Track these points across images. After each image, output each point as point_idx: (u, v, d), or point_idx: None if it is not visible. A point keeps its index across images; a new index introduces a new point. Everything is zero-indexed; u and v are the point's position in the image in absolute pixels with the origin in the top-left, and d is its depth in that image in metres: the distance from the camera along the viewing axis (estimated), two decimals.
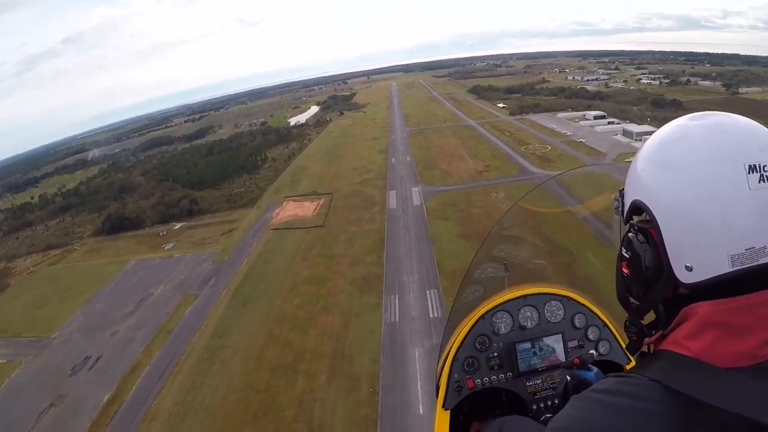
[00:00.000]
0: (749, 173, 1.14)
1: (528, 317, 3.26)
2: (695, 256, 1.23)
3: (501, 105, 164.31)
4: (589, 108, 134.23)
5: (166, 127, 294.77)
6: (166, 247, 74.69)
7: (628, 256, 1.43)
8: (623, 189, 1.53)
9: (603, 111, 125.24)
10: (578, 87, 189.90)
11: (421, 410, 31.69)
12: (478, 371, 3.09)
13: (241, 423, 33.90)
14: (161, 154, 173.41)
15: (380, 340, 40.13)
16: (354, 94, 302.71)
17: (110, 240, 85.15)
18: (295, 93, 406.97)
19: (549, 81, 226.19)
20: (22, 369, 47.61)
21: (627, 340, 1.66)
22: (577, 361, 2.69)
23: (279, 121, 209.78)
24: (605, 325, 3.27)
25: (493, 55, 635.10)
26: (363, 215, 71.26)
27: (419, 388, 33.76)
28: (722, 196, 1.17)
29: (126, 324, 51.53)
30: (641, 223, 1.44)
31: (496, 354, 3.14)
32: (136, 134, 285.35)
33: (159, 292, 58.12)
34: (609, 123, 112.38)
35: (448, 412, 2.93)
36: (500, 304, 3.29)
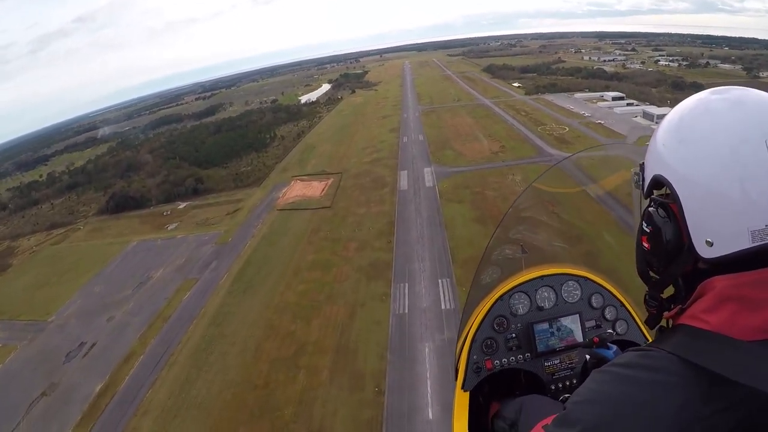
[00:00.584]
0: None
1: (545, 298, 3.23)
2: (716, 231, 1.24)
3: (516, 84, 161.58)
4: (607, 89, 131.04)
5: (177, 104, 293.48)
6: (169, 228, 73.48)
7: (648, 231, 1.45)
8: (643, 163, 1.55)
9: (621, 92, 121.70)
10: (595, 67, 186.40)
11: (430, 415, 28.99)
12: (496, 352, 3.06)
13: (236, 421, 31.59)
14: (170, 132, 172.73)
15: (388, 334, 37.61)
16: (366, 72, 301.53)
17: (114, 219, 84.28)
18: (306, 71, 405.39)
19: (565, 61, 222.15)
20: (17, 354, 46.14)
21: (644, 320, 1.76)
22: (596, 339, 2.65)
23: (290, 99, 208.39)
24: (622, 305, 3.22)
25: (507, 35, 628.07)
26: (372, 196, 68.82)
27: (429, 389, 31.07)
28: (743, 172, 1.17)
29: (123, 308, 50.11)
30: (662, 197, 1.46)
31: (514, 335, 3.11)
32: (147, 112, 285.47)
33: (159, 275, 56.66)
34: (628, 104, 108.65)
35: (468, 393, 2.90)
36: (518, 285, 3.26)
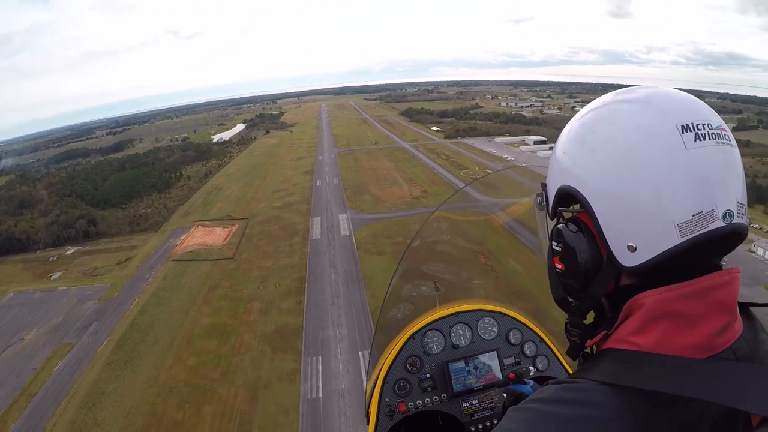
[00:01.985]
0: (683, 133, 1.07)
1: (461, 335, 3.14)
2: (638, 233, 1.11)
3: (435, 128, 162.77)
4: (528, 133, 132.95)
5: (88, 138, 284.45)
6: (52, 277, 66.56)
7: (560, 249, 1.30)
8: (544, 183, 1.42)
9: (542, 136, 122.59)
10: (513, 112, 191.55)
11: None
12: (410, 394, 2.92)
13: None
14: (73, 166, 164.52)
15: (298, 428, 30.60)
16: (283, 113, 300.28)
17: None
18: (222, 111, 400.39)
19: (482, 107, 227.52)
20: None
21: (565, 356, 1.84)
22: (512, 375, 2.47)
23: (202, 138, 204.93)
24: (542, 339, 3.16)
25: (424, 82, 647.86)
26: (281, 246, 62.49)
27: None
28: (659, 161, 1.08)
29: None
30: (570, 212, 1.34)
31: (428, 375, 2.99)
32: (56, 144, 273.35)
33: (31, 336, 49.31)
34: (550, 148, 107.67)
35: None
36: (431, 322, 3.17)
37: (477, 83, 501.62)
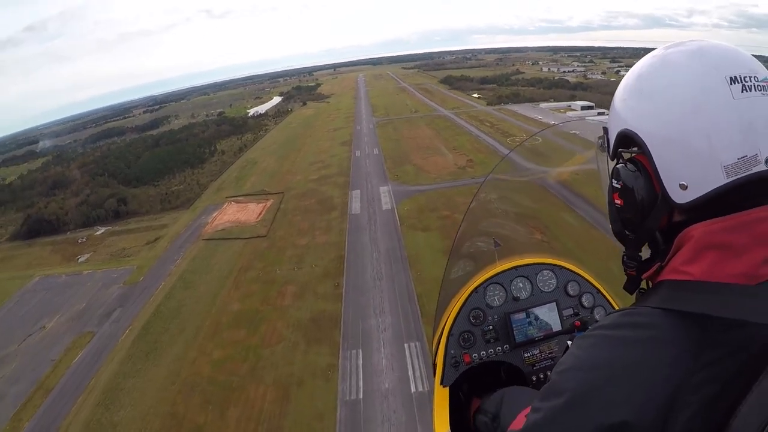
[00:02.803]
0: (731, 84, 1.18)
1: (521, 288, 3.21)
2: (689, 172, 1.24)
3: (476, 95, 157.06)
4: (573, 98, 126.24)
5: (125, 117, 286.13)
6: (79, 259, 64.63)
7: (619, 186, 1.44)
8: (606, 127, 1.56)
9: (589, 102, 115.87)
10: (556, 78, 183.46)
11: None
12: (474, 345, 3.03)
13: None
14: (108, 146, 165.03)
15: None
16: (319, 84, 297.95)
17: (26, 246, 74.34)
18: (259, 85, 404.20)
19: (523, 72, 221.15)
20: None
21: (622, 305, 1.77)
22: (578, 323, 2.81)
23: (238, 112, 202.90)
24: (599, 291, 3.21)
25: (461, 50, 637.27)
26: (318, 222, 58.04)
27: None
28: (709, 110, 1.20)
29: (2, 373, 39.71)
30: (629, 152, 1.47)
31: (491, 327, 3.08)
32: (93, 125, 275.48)
33: (52, 325, 46.26)
34: (599, 114, 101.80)
35: (447, 389, 2.87)
36: (492, 276, 3.24)
37: (516, 50, 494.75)
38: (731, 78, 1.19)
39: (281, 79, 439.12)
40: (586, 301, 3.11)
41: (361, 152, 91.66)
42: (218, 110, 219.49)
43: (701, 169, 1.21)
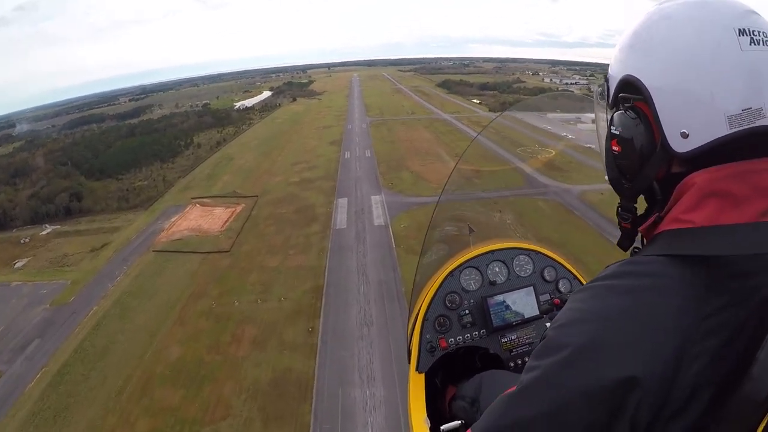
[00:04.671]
0: (740, 36, 1.17)
1: (497, 272, 3.11)
2: (691, 121, 1.22)
3: (476, 101, 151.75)
4: (582, 110, 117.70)
5: (110, 105, 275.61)
6: (16, 264, 58.52)
7: (618, 132, 1.39)
8: (606, 76, 1.51)
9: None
10: (560, 89, 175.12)
11: None
12: (450, 330, 2.92)
13: None
14: (82, 132, 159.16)
15: None
16: (312, 81, 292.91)
17: None
18: (251, 79, 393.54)
19: (524, 81, 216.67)
20: None
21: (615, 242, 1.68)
22: (557, 301, 2.80)
23: (224, 104, 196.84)
24: (576, 277, 3.17)
25: (459, 57, 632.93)
26: (294, 237, 49.01)
27: None
28: (716, 59, 1.18)
29: None
30: (630, 98, 1.41)
31: (467, 311, 2.98)
32: (77, 111, 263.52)
33: None
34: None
35: (423, 375, 2.77)
36: (468, 260, 3.13)
37: (512, 60, 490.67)
38: (740, 30, 1.17)
39: (274, 75, 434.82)
40: (563, 286, 3.06)
41: (351, 154, 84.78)
42: (204, 101, 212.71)
43: (704, 118, 1.19)
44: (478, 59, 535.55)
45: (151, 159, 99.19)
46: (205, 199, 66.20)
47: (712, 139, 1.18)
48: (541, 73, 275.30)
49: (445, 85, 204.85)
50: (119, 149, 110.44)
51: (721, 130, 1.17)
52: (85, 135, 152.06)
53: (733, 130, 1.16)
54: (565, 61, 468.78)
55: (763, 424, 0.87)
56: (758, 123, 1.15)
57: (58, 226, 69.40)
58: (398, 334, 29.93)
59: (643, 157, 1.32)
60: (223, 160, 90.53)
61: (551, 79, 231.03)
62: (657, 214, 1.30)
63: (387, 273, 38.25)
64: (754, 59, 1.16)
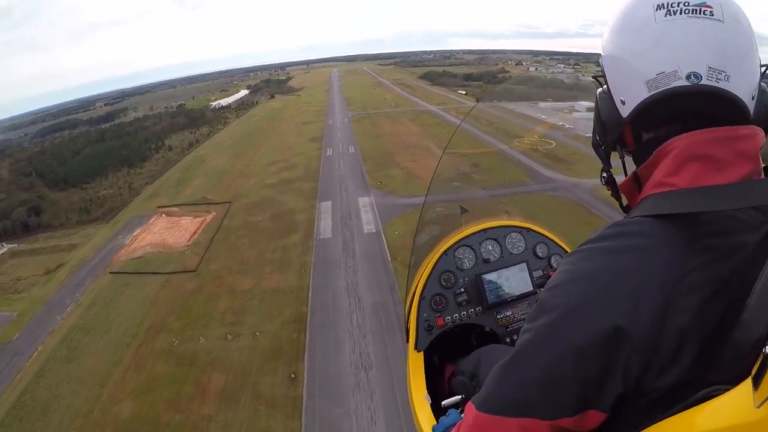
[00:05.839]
0: (656, 10, 1.29)
1: (490, 250, 3.19)
2: (624, 89, 1.38)
3: (462, 92, 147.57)
4: (575, 99, 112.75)
5: (86, 110, 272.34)
6: None
7: (594, 104, 1.56)
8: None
9: (592, 102, 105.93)
10: (548, 78, 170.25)
11: None
12: (446, 308, 2.99)
13: None
14: (52, 140, 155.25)
15: None
16: (290, 78, 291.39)
17: None
18: (228, 78, 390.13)
19: (509, 71, 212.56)
20: None
21: None
22: (552, 274, 2.72)
23: (199, 104, 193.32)
24: (567, 252, 2.86)
25: (439, 50, 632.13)
26: (271, 250, 42.34)
27: None
28: (635, 32, 1.33)
29: None
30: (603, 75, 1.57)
31: (462, 289, 3.06)
32: (53, 118, 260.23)
33: None
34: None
35: (422, 354, 2.86)
36: (461, 239, 3.23)
37: (493, 52, 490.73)
38: (658, 5, 1.29)
39: (252, 74, 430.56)
40: (556, 262, 3.15)
41: (333, 150, 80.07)
42: (179, 102, 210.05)
43: (631, 84, 1.33)
44: (458, 51, 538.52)
45: (119, 165, 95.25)
46: (172, 208, 59.97)
47: (637, 103, 1.31)
48: (525, 63, 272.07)
49: (427, 77, 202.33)
50: (87, 156, 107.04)
51: (642, 94, 1.30)
52: (54, 142, 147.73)
53: (652, 93, 1.27)
54: (546, 51, 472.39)
55: (756, 366, 0.89)
56: (674, 84, 1.24)
57: (15, 245, 64.98)
58: (402, 381, 23.53)
59: (604, 124, 1.47)
60: (194, 163, 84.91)
61: (536, 68, 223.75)
62: (634, 172, 1.42)
63: (383, 294, 31.85)
64: (665, 28, 1.27)
